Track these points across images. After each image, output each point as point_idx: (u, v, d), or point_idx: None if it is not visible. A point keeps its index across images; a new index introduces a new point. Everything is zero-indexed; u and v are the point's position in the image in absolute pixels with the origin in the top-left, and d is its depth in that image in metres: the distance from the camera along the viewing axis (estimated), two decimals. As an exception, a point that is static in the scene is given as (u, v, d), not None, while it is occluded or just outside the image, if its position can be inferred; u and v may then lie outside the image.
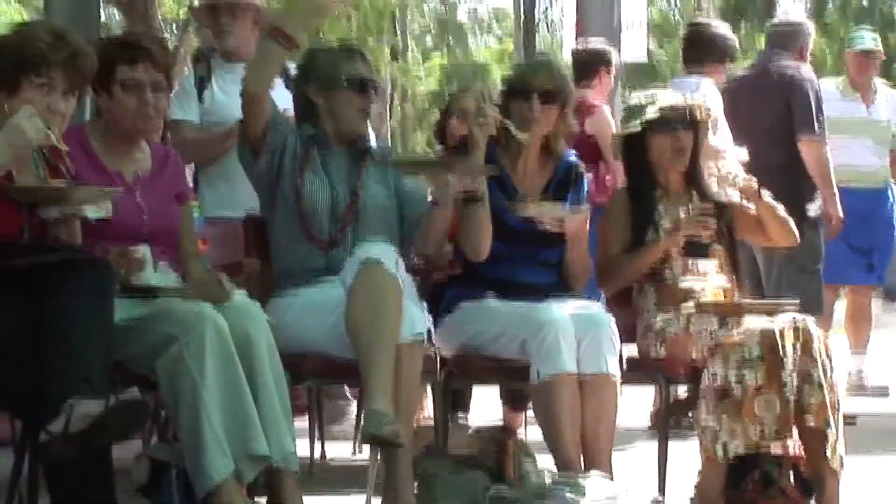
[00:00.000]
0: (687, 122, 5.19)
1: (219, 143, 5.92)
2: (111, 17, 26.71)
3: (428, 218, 4.84)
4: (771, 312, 4.80)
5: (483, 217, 4.81)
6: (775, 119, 7.23)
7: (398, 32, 39.63)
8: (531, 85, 4.99)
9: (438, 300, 5.10)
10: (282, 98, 5.24)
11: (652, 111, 5.16)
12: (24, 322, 3.93)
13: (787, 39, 7.52)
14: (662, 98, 5.21)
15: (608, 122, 7.33)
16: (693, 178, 5.27)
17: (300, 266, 4.84)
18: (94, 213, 4.12)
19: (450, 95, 6.34)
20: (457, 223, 4.88)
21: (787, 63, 7.33)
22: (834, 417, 4.72)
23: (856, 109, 8.40)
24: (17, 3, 31.09)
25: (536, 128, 4.98)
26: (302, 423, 5.47)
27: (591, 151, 7.02)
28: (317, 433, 5.91)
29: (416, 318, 4.56)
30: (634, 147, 5.26)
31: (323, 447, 6.01)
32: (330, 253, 4.84)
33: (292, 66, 5.83)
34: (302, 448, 5.01)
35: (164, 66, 4.65)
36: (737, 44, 7.45)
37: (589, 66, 7.66)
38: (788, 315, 4.78)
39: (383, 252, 4.53)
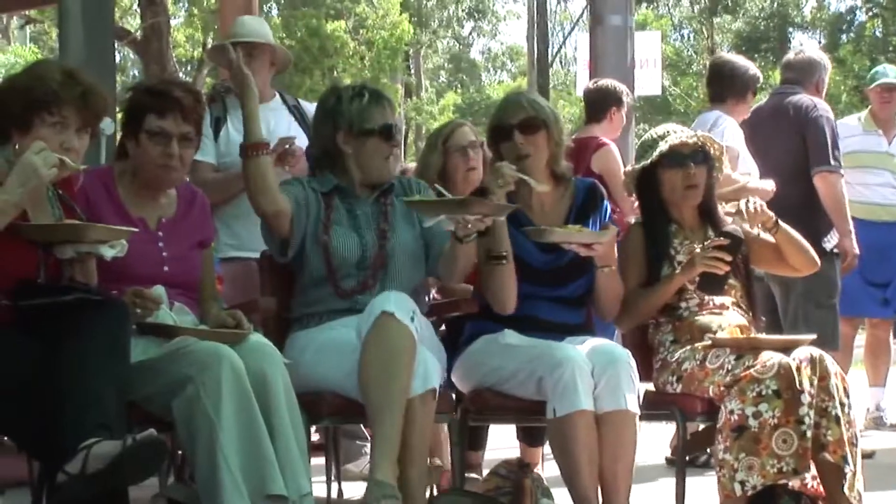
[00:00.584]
0: (699, 158, 5.19)
1: (235, 185, 5.91)
2: (126, 58, 26.86)
3: (451, 253, 4.83)
4: (787, 348, 4.79)
5: (508, 276, 4.82)
6: (791, 153, 7.22)
7: (412, 70, 39.78)
8: (509, 122, 5.01)
9: (458, 334, 5.09)
10: (292, 130, 5.22)
11: (662, 147, 5.17)
12: (40, 363, 3.93)
13: (803, 74, 7.52)
14: (674, 134, 5.22)
15: (615, 160, 7.35)
16: (707, 213, 5.26)
17: (325, 308, 4.86)
18: (109, 252, 4.11)
19: (443, 135, 6.14)
20: (478, 273, 4.88)
21: (803, 98, 7.34)
22: (852, 453, 4.70)
23: (876, 144, 8.39)
24: (33, 44, 31.31)
25: (533, 160, 4.96)
26: (319, 460, 5.46)
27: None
28: (333, 472, 5.90)
29: (430, 370, 4.55)
30: (647, 183, 5.26)
31: (340, 486, 6.00)
32: (357, 298, 4.84)
33: (309, 107, 5.85)
34: (319, 487, 5.00)
35: (194, 118, 4.66)
36: (760, 78, 7.45)
37: (599, 104, 7.69)
38: (805, 350, 4.77)
39: (399, 304, 4.51)
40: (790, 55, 7.88)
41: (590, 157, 7.21)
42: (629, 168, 5.49)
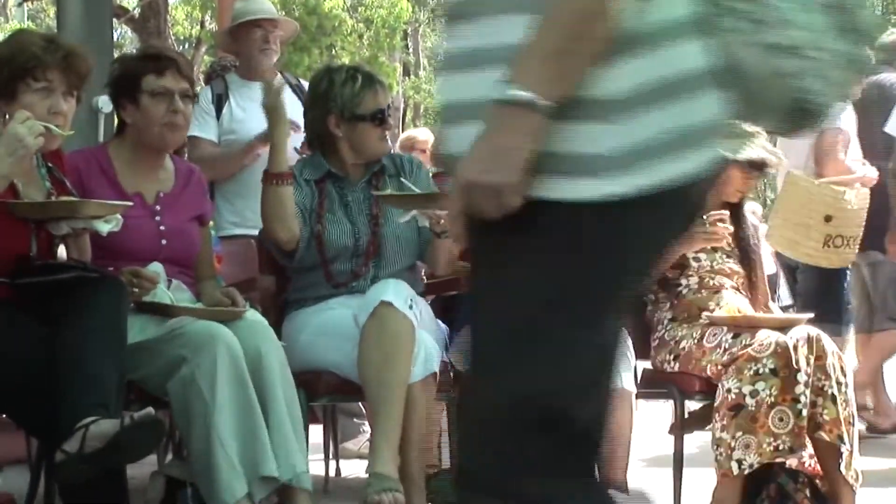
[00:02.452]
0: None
1: (237, 161, 5.91)
2: (124, 36, 26.81)
3: (432, 245, 4.85)
4: (785, 327, 4.79)
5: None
6: (872, 133, 7.17)
7: (410, 49, 39.70)
8: None
9: (456, 312, 5.09)
10: (293, 109, 5.21)
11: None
12: (39, 341, 3.92)
13: (892, 54, 7.47)
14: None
15: None
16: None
17: (320, 294, 4.85)
18: (104, 227, 4.09)
19: None
20: None
21: (888, 76, 7.30)
22: (848, 432, 4.70)
23: None
24: (30, 22, 31.24)
25: None
26: (317, 438, 5.45)
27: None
28: (332, 450, 5.90)
29: (430, 354, 4.55)
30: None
31: (338, 464, 6.00)
32: (351, 286, 4.84)
33: (306, 83, 5.83)
34: (317, 465, 5.00)
35: (188, 75, 4.68)
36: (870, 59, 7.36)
37: None
38: (802, 330, 4.77)
39: (397, 293, 4.50)
40: (884, 37, 7.82)
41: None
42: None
